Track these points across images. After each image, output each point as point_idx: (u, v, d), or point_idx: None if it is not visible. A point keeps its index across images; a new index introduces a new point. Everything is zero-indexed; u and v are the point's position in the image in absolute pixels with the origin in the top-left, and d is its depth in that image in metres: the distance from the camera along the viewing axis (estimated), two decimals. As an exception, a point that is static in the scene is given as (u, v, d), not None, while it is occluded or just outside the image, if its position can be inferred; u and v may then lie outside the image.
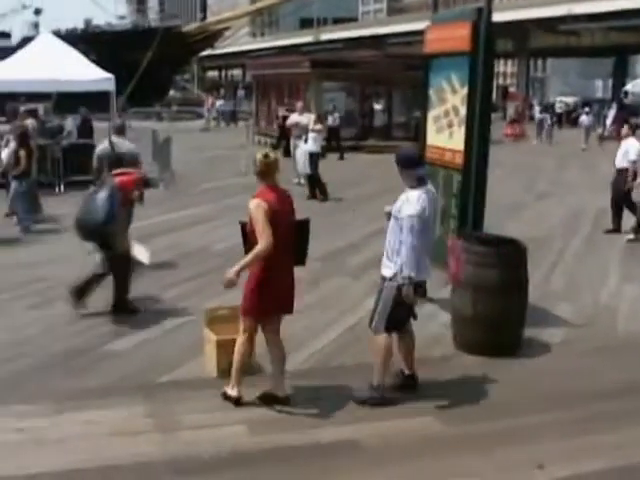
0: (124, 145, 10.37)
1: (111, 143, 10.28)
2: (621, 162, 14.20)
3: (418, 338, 7.95)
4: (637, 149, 13.96)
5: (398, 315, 6.41)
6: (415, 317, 6.64)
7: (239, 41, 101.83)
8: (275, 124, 30.58)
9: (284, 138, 24.58)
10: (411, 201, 6.20)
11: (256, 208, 5.97)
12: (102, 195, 8.36)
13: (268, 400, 6.31)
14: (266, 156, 6.22)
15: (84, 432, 5.83)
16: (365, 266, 10.73)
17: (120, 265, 8.71)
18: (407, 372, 6.75)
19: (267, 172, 6.19)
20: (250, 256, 5.98)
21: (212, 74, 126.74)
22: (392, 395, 6.48)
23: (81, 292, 8.76)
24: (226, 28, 78.17)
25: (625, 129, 14.92)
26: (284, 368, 6.44)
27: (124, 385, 6.84)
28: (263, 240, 5.89)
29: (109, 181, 8.70)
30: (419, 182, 6.28)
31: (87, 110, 21.89)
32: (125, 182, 8.73)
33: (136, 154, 10.33)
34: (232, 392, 6.34)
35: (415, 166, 6.34)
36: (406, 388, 6.69)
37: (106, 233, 8.40)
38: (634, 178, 13.84)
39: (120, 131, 10.68)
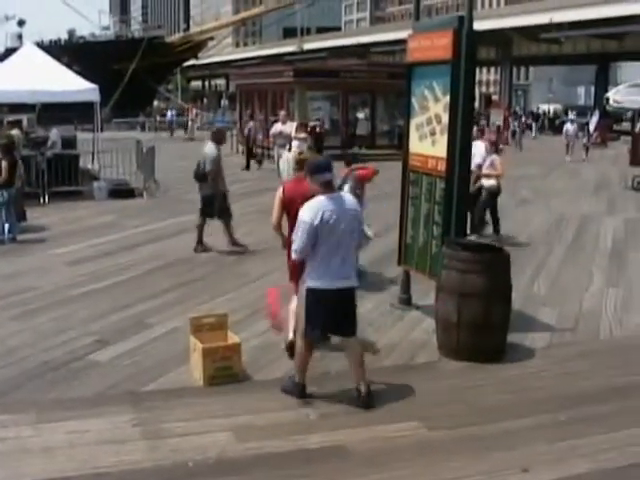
0: (206, 149, 12.17)
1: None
2: None
3: (403, 344, 8.05)
4: (483, 152, 13.75)
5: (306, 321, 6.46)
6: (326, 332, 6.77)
7: (223, 51, 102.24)
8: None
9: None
10: (305, 207, 6.28)
11: (277, 193, 7.56)
12: (347, 186, 9.75)
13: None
14: (300, 154, 8.08)
15: (69, 441, 5.81)
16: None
17: None
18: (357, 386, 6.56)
19: (300, 166, 7.53)
20: None
21: (196, 84, 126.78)
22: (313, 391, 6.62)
23: None
24: (210, 38, 78.48)
25: (474, 131, 14.68)
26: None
27: (109, 394, 6.81)
28: (272, 218, 7.63)
29: (351, 174, 10.17)
30: (324, 187, 6.29)
31: None
32: (362, 175, 10.20)
33: (212, 159, 11.99)
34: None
35: (319, 171, 6.34)
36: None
37: None
38: (476, 181, 13.37)
39: (213, 137, 12.37)
